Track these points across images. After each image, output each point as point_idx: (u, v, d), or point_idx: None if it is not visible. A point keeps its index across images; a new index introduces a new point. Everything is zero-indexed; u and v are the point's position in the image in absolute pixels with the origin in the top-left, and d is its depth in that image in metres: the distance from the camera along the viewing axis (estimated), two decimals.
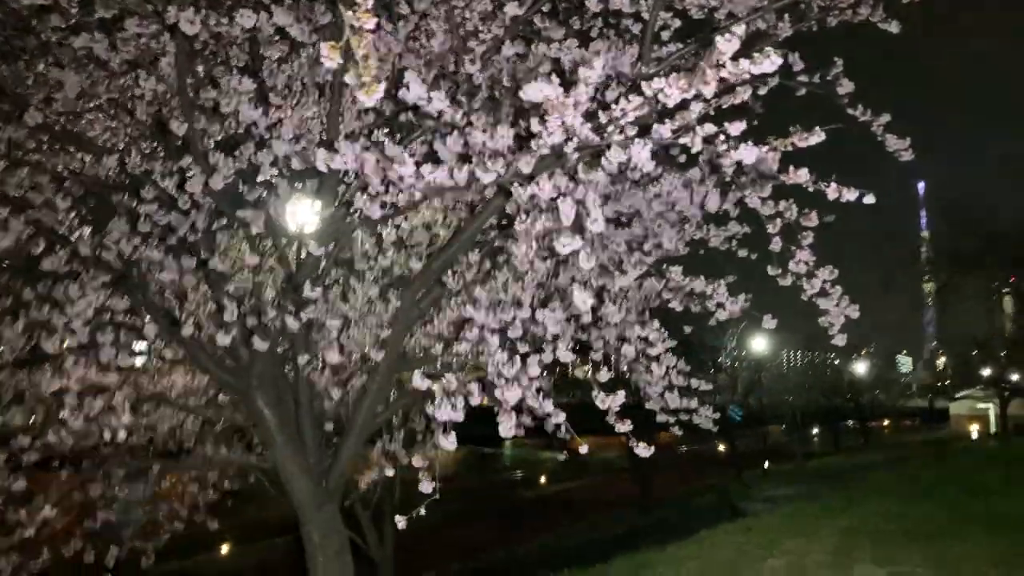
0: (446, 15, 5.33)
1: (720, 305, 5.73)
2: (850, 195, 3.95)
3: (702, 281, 5.79)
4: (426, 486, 4.38)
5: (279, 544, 24.59)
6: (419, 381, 4.31)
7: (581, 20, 6.03)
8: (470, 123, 4.54)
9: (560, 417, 4.51)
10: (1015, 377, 56.93)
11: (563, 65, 5.47)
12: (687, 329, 8.01)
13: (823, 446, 68.65)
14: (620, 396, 4.67)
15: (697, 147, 3.70)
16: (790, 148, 3.77)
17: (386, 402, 7.13)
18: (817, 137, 3.68)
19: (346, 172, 5.77)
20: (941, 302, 34.71)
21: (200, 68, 5.77)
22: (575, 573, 12.91)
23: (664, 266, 6.05)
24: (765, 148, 3.68)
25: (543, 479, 51.24)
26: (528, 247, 4.78)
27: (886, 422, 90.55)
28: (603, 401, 4.63)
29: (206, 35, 4.57)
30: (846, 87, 5.44)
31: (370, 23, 2.22)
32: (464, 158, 4.38)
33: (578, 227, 4.18)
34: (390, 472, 7.51)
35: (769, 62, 3.00)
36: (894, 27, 5.60)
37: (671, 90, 3.38)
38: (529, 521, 36.14)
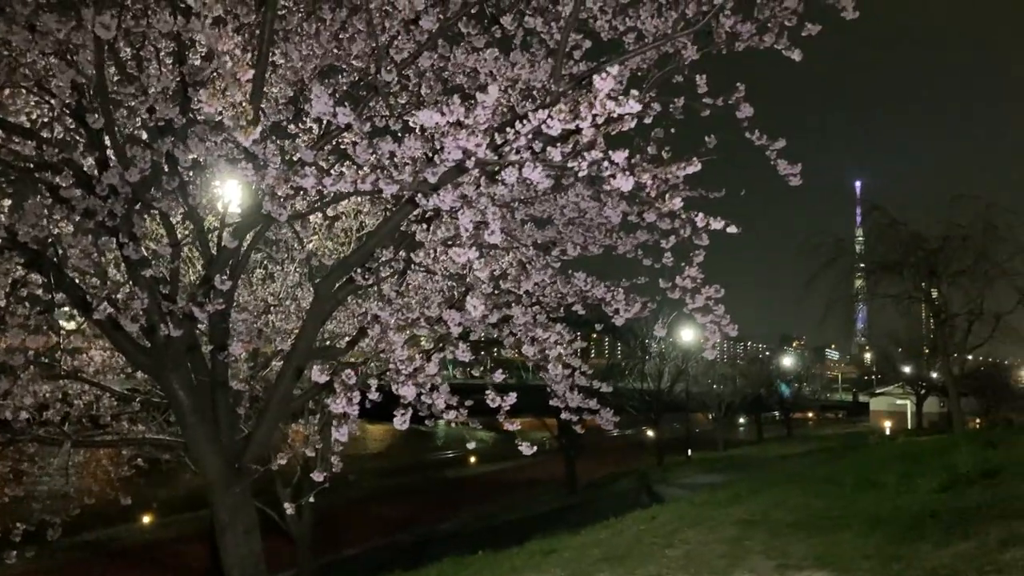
0: (366, 21, 5.50)
1: (616, 311, 6.04)
2: (716, 224, 4.29)
3: (602, 287, 6.08)
4: (317, 476, 4.60)
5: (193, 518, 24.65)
6: (318, 375, 4.54)
7: (503, 29, 6.23)
8: (386, 129, 4.77)
9: (452, 414, 4.78)
10: (932, 375, 59.32)
11: (481, 76, 5.70)
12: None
13: (747, 436, 70.61)
14: (512, 397, 4.97)
15: (583, 172, 3.98)
16: (670, 177, 4.07)
17: (301, 388, 7.33)
18: (694, 167, 4.00)
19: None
20: (867, 301, 35.97)
21: (127, 50, 5.86)
22: (488, 554, 13.24)
23: (569, 271, 6.34)
24: (646, 176, 3.98)
25: (473, 458, 51.68)
26: (428, 254, 5.03)
27: (810, 414, 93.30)
28: (494, 400, 4.93)
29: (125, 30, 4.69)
30: (745, 111, 5.75)
31: (247, 75, 2.43)
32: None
33: (479, 236, 4.46)
34: (309, 452, 7.71)
35: (630, 105, 3.30)
36: (796, 55, 5.93)
37: (553, 122, 3.67)
38: (457, 499, 36.57)
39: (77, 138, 6.23)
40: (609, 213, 5.63)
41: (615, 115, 3.43)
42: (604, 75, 3.45)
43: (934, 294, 30.04)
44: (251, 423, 7.36)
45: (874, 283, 31.88)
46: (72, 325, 7.03)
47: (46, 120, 6.42)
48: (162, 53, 5.89)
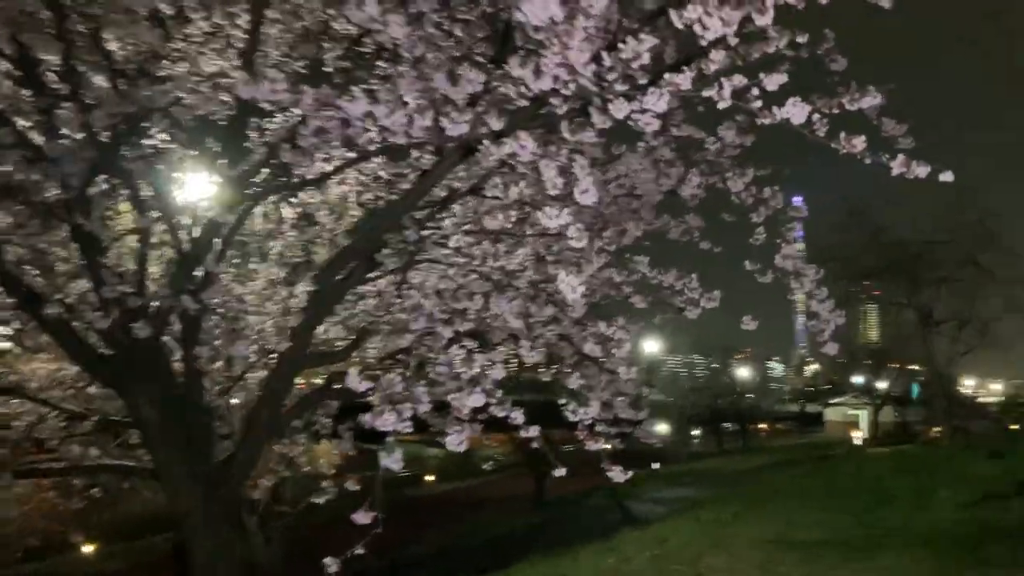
0: None
1: (692, 301, 5.04)
2: (921, 170, 3.30)
3: (673, 273, 5.09)
4: (362, 517, 3.56)
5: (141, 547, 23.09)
6: (355, 382, 3.46)
7: None
8: (424, 60, 3.71)
9: (534, 431, 3.73)
10: (882, 385, 59.91)
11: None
12: None
13: (704, 447, 70.11)
14: (594, 408, 3.95)
15: (726, 101, 3.00)
16: (837, 111, 3.11)
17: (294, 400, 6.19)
18: (871, 99, 3.04)
19: (260, 124, 4.86)
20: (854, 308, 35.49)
21: None
22: None
23: (628, 256, 5.33)
24: (809, 109, 3.01)
25: (431, 477, 50.32)
26: (505, 219, 3.98)
27: (763, 425, 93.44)
28: (575, 412, 3.89)
29: None
30: (840, 64, 4.84)
31: None
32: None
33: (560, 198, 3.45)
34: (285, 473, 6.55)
35: None
36: (886, 1, 5.06)
37: (711, 20, 2.65)
38: (422, 520, 35.11)
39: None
40: (693, 183, 4.62)
41: None
42: None
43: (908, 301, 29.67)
44: (226, 444, 6.21)
45: (847, 290, 31.36)
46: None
47: None
48: None
